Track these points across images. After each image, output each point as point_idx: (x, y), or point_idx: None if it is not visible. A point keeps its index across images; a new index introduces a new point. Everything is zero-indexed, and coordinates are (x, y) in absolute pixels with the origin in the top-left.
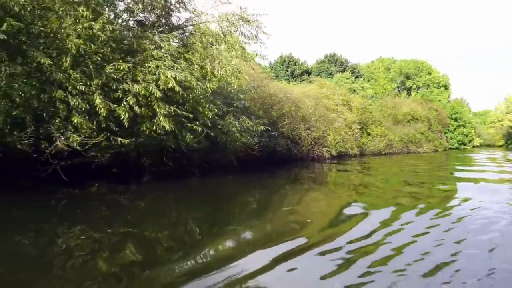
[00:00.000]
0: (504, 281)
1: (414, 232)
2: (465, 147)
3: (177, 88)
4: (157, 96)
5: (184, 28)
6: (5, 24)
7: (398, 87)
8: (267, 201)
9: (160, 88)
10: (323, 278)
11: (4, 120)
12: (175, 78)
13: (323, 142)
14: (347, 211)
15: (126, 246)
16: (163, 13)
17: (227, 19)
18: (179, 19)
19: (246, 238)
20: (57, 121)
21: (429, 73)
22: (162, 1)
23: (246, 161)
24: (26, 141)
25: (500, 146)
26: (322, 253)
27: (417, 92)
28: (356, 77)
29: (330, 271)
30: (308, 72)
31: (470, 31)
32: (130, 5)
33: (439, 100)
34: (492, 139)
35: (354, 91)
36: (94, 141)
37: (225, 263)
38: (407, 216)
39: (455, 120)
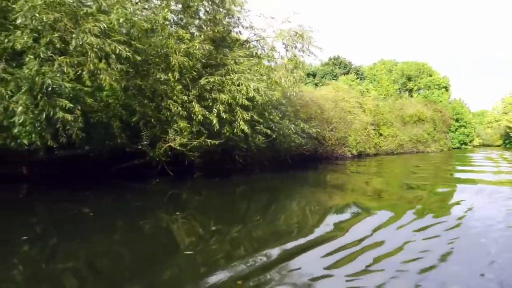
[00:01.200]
0: None
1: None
2: (466, 146)
3: (258, 97)
4: (241, 103)
5: (250, 43)
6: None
7: (399, 89)
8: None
9: (244, 97)
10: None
11: (118, 126)
12: (256, 89)
13: (344, 143)
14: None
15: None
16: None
17: (289, 35)
18: (240, 34)
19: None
20: (163, 126)
21: (430, 75)
22: (226, 20)
23: (294, 158)
24: (144, 142)
25: (498, 145)
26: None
27: (419, 94)
28: (360, 79)
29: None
30: (313, 75)
31: (489, 40)
32: (202, 24)
33: (440, 101)
34: (490, 139)
35: (361, 93)
36: (195, 142)
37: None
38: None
39: (457, 120)
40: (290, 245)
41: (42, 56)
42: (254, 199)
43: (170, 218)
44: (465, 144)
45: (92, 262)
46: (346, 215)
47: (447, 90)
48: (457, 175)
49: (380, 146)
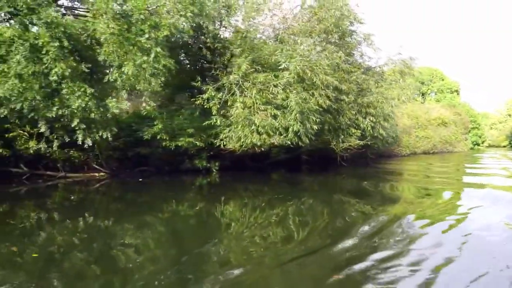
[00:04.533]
0: None
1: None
2: (479, 147)
3: (391, 114)
4: (381, 115)
5: (374, 69)
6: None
7: (413, 93)
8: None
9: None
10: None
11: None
12: (391, 105)
13: (399, 143)
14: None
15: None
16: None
17: (401, 63)
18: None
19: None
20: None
21: (442, 79)
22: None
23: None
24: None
25: (504, 146)
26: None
27: (431, 97)
28: None
29: None
30: None
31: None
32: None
33: (459, 104)
34: (496, 140)
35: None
36: (361, 142)
37: None
38: None
39: (470, 122)
40: None
41: None
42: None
43: None
44: (478, 144)
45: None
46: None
47: (458, 94)
48: None
49: (417, 147)
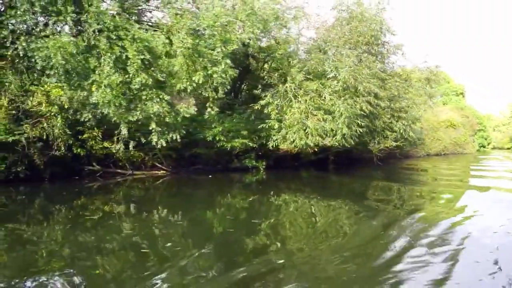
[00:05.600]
0: None
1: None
2: (484, 149)
3: (419, 118)
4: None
5: (402, 76)
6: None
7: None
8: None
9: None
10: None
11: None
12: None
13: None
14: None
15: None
16: None
17: (427, 70)
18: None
19: None
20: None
21: (448, 82)
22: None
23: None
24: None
25: (508, 148)
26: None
27: (437, 100)
28: None
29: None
30: None
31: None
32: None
33: (465, 107)
34: (500, 142)
35: None
36: (395, 143)
37: None
38: None
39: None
40: None
41: None
42: None
43: None
44: (484, 146)
45: None
46: None
47: (463, 96)
48: None
49: (430, 148)
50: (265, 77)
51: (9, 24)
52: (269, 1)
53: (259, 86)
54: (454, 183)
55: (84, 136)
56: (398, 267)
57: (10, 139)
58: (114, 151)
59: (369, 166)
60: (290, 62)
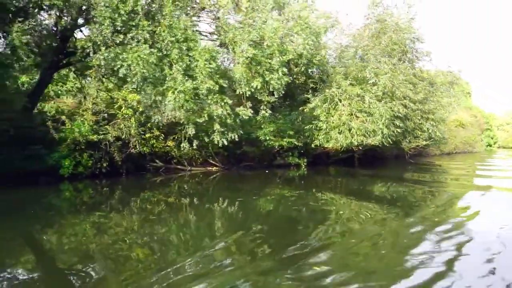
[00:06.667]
0: None
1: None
2: (491, 148)
3: (445, 118)
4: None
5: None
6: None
7: None
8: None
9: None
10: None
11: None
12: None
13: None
14: None
15: None
16: None
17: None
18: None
19: None
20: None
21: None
22: None
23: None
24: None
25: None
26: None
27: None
28: None
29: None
30: None
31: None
32: None
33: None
34: (504, 141)
35: None
36: (427, 142)
37: None
38: None
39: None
40: None
41: None
42: None
43: None
44: (490, 146)
45: None
46: None
47: (470, 96)
48: None
49: (444, 147)
50: (309, 82)
51: (92, 36)
52: (321, 14)
53: (308, 91)
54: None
55: (147, 135)
56: None
57: (96, 138)
58: (172, 149)
59: (389, 164)
60: (335, 68)
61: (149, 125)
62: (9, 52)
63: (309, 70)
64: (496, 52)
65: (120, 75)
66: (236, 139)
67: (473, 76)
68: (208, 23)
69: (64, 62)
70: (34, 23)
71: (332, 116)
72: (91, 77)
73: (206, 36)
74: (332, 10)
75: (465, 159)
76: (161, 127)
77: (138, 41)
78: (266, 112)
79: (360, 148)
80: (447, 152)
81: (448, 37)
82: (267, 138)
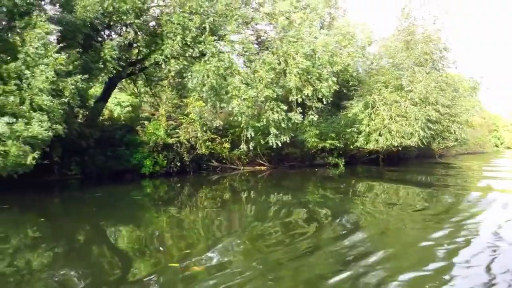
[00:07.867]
0: None
1: None
2: (498, 148)
3: (469, 121)
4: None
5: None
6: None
7: None
8: None
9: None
10: None
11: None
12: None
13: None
14: None
15: None
16: None
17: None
18: None
19: None
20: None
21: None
22: None
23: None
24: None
25: None
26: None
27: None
28: None
29: None
30: None
31: None
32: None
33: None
34: (510, 142)
35: None
36: (454, 143)
37: None
38: None
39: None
40: None
41: None
42: None
43: None
44: (497, 146)
45: None
46: None
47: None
48: None
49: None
50: (351, 88)
51: (163, 50)
52: (363, 28)
53: (348, 98)
54: None
55: (206, 137)
56: None
57: (171, 141)
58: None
59: (412, 163)
60: (374, 77)
61: (204, 128)
62: (102, 66)
63: (349, 79)
64: (497, 52)
65: (191, 86)
66: (288, 141)
67: (478, 76)
68: (262, 37)
69: (136, 71)
70: (121, 41)
71: (373, 120)
72: (163, 86)
73: (263, 50)
74: (368, 22)
75: (481, 159)
76: (218, 131)
77: (204, 55)
78: (314, 116)
79: (399, 148)
80: (460, 153)
81: (450, 37)
82: (312, 140)
